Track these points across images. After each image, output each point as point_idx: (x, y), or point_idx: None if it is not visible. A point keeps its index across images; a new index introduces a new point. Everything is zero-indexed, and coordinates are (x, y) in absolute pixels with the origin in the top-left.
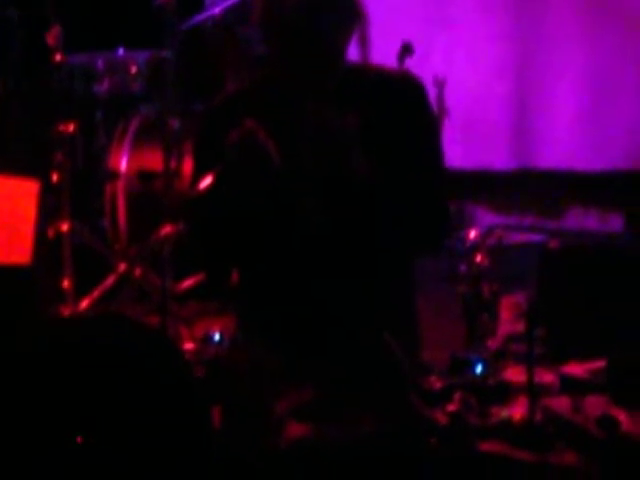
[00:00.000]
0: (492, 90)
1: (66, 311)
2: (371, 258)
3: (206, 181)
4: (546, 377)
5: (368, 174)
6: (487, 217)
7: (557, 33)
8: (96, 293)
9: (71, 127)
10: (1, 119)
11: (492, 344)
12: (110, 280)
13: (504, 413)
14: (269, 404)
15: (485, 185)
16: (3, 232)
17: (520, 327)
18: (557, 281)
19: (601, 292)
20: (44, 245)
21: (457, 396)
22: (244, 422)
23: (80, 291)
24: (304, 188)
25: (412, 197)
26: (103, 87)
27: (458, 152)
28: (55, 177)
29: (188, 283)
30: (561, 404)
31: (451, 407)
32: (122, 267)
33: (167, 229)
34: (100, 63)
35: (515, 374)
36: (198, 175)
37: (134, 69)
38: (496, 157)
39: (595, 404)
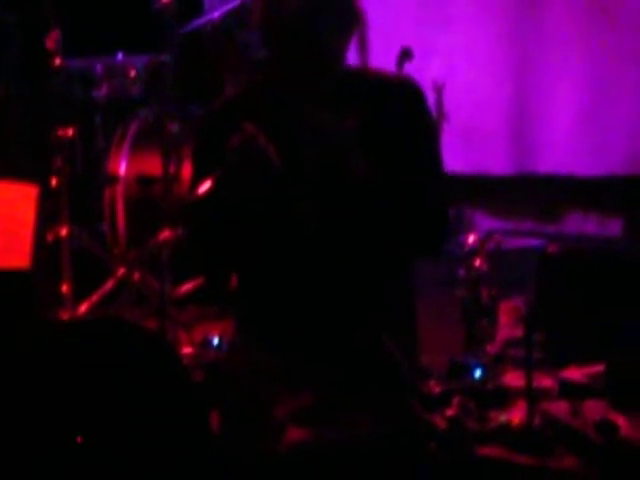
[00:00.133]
0: (491, 95)
1: (65, 315)
2: (369, 261)
3: (205, 185)
4: (545, 382)
5: (366, 177)
6: (486, 222)
7: (556, 38)
8: (95, 297)
9: (70, 131)
10: (0, 123)
11: (491, 349)
12: (109, 284)
13: (503, 417)
14: (268, 408)
15: (484, 190)
16: (2, 236)
17: (519, 332)
18: (556, 286)
19: (600, 297)
20: (43, 249)
21: (456, 401)
22: (243, 426)
23: (79, 295)
24: (303, 192)
25: (410, 201)
26: (102, 91)
27: (457, 157)
28: (54, 181)
29: (187, 287)
30: (560, 408)
31: (450, 412)
32: (121, 271)
33: (166, 233)
34: (99, 67)
35: (514, 379)
36: (197, 179)
37: (133, 73)
38: (495, 162)
39: (594, 408)
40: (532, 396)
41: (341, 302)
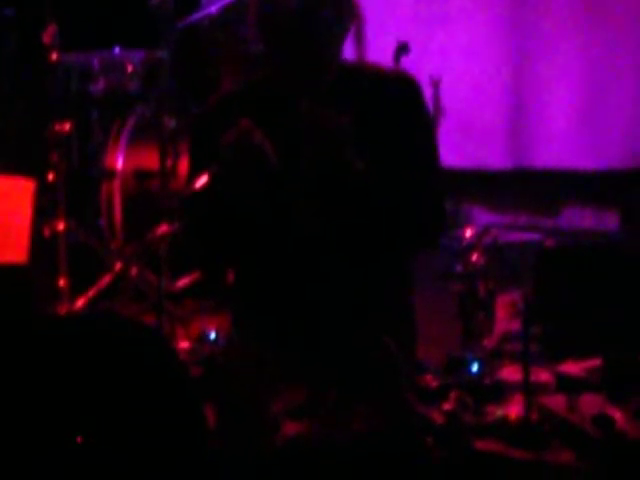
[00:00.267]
0: (488, 89)
1: (62, 310)
2: (367, 257)
3: (202, 180)
4: (542, 376)
5: (363, 173)
6: (483, 216)
7: (554, 32)
8: (92, 292)
9: (67, 126)
10: None
11: (488, 343)
12: (106, 279)
13: (500, 412)
14: (264, 403)
15: (481, 184)
16: None
17: (516, 326)
18: (553, 280)
19: (597, 291)
20: (40, 244)
21: (453, 395)
22: (240, 421)
23: (76, 290)
24: (299, 188)
25: (407, 195)
26: (99, 86)
27: (454, 151)
28: (51, 176)
29: (184, 282)
30: (557, 403)
31: (447, 406)
32: (118, 266)
33: (163, 228)
34: (96, 62)
35: (511, 373)
36: (194, 174)
37: (130, 68)
38: (492, 156)
39: (591, 403)
40: (529, 390)
41: (338, 298)
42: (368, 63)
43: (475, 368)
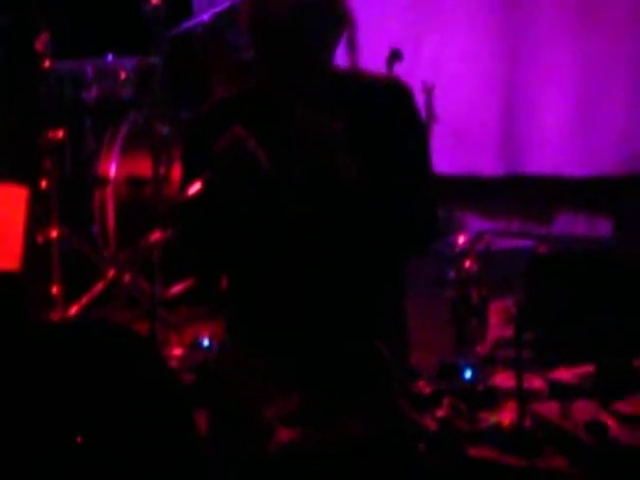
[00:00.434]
0: (481, 96)
1: (55, 317)
2: (360, 264)
3: (195, 187)
4: (535, 382)
5: (356, 179)
6: (476, 223)
7: (546, 39)
8: (85, 299)
9: (60, 133)
10: None
11: (481, 349)
12: (99, 286)
13: (493, 418)
14: (258, 409)
15: (474, 191)
16: None
17: (509, 332)
18: (546, 286)
19: (590, 297)
20: (33, 251)
21: (446, 401)
22: (233, 427)
23: (69, 297)
24: (292, 193)
25: (400, 202)
26: (92, 93)
27: (447, 158)
28: (44, 183)
29: (177, 289)
30: (550, 409)
31: (440, 412)
32: (111, 273)
33: (156, 235)
34: (89, 69)
35: (504, 379)
36: (187, 181)
37: (123, 75)
38: (485, 163)
39: (584, 409)
40: (522, 397)
41: (332, 304)
42: (360, 70)
43: (468, 374)
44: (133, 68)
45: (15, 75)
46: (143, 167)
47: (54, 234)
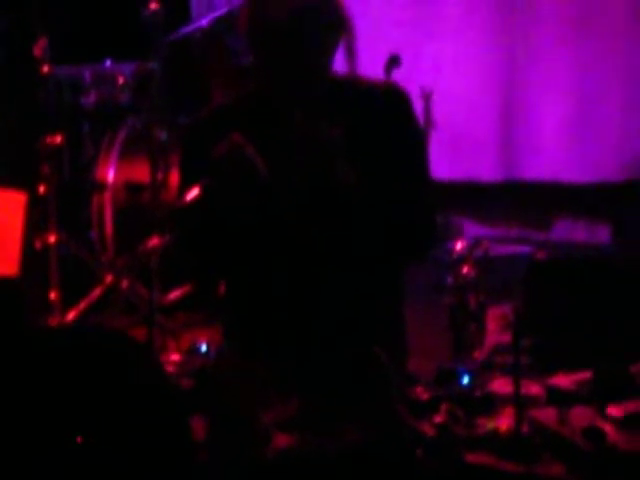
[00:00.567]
0: (479, 102)
1: (53, 322)
2: (357, 268)
3: (192, 193)
4: (533, 388)
5: (354, 185)
6: (474, 229)
7: (544, 45)
8: (83, 304)
9: (58, 139)
10: None
11: (479, 355)
12: (97, 291)
13: (491, 424)
14: (255, 415)
15: (472, 197)
16: None
17: (507, 338)
18: (544, 292)
19: (588, 304)
20: (31, 257)
21: (444, 407)
22: (231, 432)
23: (67, 302)
24: (291, 199)
25: (398, 208)
26: (90, 99)
27: (445, 164)
28: (42, 189)
29: (175, 294)
30: (547, 415)
31: (438, 418)
32: (109, 278)
33: (154, 241)
34: (87, 75)
35: (502, 385)
36: (185, 187)
37: (121, 81)
38: (483, 169)
39: (581, 415)
40: (520, 403)
41: (330, 310)
42: (358, 75)
43: (466, 380)
44: (131, 73)
45: (14, 78)
46: (141, 172)
47: (52, 239)
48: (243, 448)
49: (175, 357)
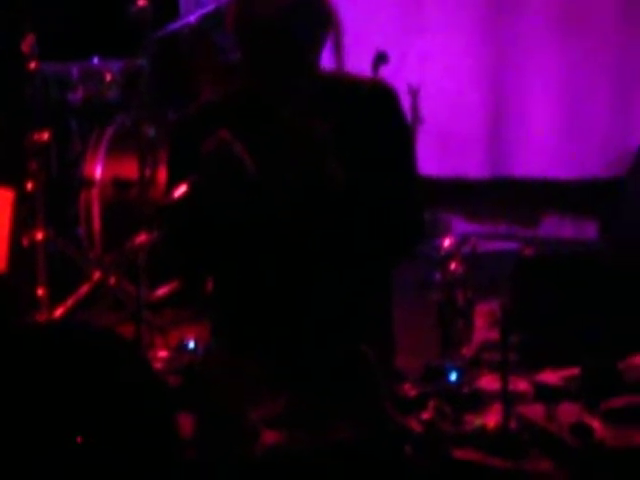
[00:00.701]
0: (467, 98)
1: (41, 319)
2: (346, 265)
3: (180, 189)
4: (520, 385)
5: (342, 182)
6: (462, 225)
7: (532, 42)
8: (70, 301)
9: (45, 135)
10: None
11: (466, 352)
12: (85, 288)
13: (478, 421)
14: (243, 412)
15: (460, 193)
16: None
17: (494, 335)
18: (531, 289)
19: (575, 300)
20: (19, 253)
21: (431, 404)
22: (218, 429)
23: (55, 299)
24: (280, 196)
25: (386, 204)
26: (78, 95)
27: (433, 160)
28: (29, 186)
29: (163, 291)
30: (535, 412)
31: (425, 415)
32: (97, 275)
33: (142, 237)
34: (75, 71)
35: (489, 382)
36: (172, 183)
37: (109, 77)
38: (471, 165)
39: (569, 412)
40: (507, 399)
41: (318, 307)
42: (345, 72)
43: (454, 377)
44: (119, 70)
45: (1, 74)
46: (129, 169)
47: (40, 236)
48: (231, 445)
49: (163, 354)
